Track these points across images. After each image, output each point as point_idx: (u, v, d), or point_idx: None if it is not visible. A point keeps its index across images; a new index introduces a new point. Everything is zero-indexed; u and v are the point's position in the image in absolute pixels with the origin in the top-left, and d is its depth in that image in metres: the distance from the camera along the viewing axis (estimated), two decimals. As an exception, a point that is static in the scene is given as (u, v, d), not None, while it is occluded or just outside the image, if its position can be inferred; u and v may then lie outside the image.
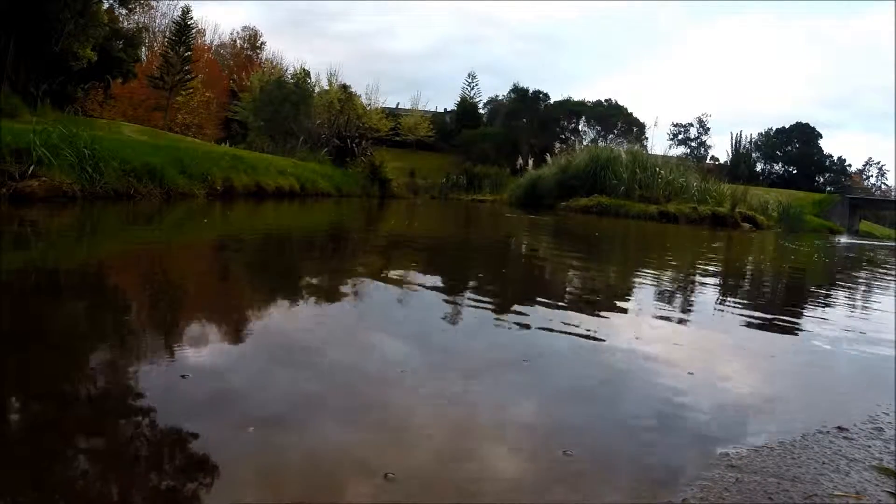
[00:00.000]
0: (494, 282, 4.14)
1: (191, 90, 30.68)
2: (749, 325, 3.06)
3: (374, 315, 2.69)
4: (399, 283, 3.59)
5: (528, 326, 2.57)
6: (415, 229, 8.65)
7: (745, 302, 4.05)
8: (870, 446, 1.51)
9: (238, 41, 42.50)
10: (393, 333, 2.36)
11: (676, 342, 2.54)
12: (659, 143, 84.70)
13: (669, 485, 1.24)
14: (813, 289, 5.37)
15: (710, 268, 6.36)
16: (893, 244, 18.04)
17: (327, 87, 27.05)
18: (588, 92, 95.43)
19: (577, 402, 1.75)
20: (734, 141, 48.86)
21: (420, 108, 44.58)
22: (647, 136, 39.97)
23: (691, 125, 52.59)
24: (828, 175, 51.26)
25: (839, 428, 1.61)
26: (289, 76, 27.22)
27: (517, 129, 43.45)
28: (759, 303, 4.07)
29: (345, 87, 26.92)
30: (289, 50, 78.59)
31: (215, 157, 12.20)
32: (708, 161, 46.30)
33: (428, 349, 2.17)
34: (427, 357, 2.07)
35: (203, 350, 1.91)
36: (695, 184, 19.27)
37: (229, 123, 31.43)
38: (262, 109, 24.92)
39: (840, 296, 4.89)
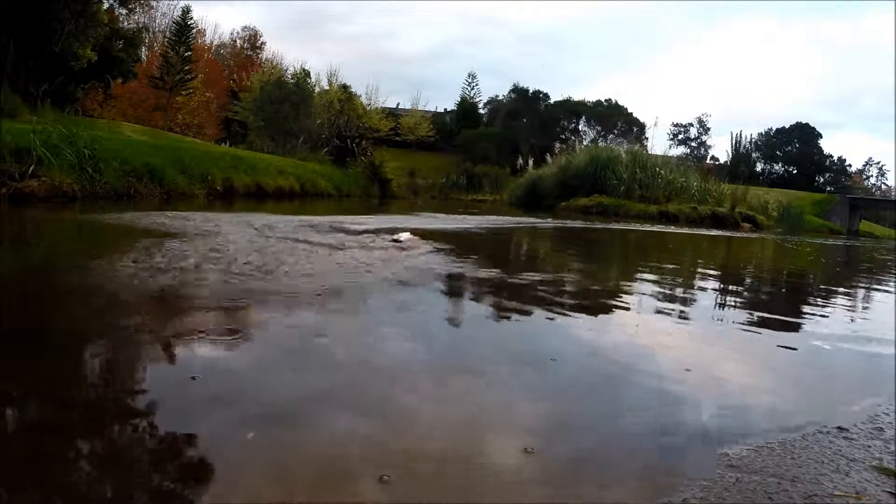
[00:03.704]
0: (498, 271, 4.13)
1: (191, 90, 30.71)
2: (749, 324, 3.06)
3: (381, 312, 2.68)
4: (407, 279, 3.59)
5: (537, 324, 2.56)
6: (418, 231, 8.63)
7: (745, 301, 4.05)
8: (870, 446, 1.51)
9: (238, 41, 42.53)
10: (400, 332, 2.35)
11: (677, 340, 2.54)
12: (659, 143, 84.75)
13: (669, 485, 1.24)
14: (813, 288, 5.37)
15: (712, 267, 6.36)
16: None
17: (327, 87, 27.06)
18: (588, 92, 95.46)
19: (577, 401, 1.75)
20: (734, 141, 48.87)
21: (420, 108, 44.66)
22: (647, 136, 39.99)
23: (691, 125, 52.67)
24: (828, 175, 51.26)
25: (839, 428, 1.61)
26: (289, 76, 27.22)
27: (517, 129, 43.48)
28: (759, 302, 4.07)
29: (345, 87, 26.93)
30: (290, 51, 78.81)
31: (215, 157, 12.21)
32: (708, 161, 46.39)
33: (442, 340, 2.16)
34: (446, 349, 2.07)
35: (212, 350, 1.91)
36: (695, 184, 19.28)
37: (229, 123, 31.44)
38: (262, 109, 24.92)
39: (840, 295, 4.89)
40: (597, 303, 3.41)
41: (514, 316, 2.83)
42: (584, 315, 2.93)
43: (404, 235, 4.86)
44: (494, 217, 12.07)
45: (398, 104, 43.72)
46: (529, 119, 44.79)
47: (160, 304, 2.47)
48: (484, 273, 3.86)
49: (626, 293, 3.96)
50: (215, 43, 41.71)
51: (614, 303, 3.48)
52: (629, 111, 45.75)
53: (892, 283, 6.16)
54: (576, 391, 1.84)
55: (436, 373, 1.91)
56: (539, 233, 9.29)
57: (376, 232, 5.61)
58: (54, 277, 3.10)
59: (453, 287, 3.42)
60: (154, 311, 2.41)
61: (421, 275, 3.51)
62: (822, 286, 5.63)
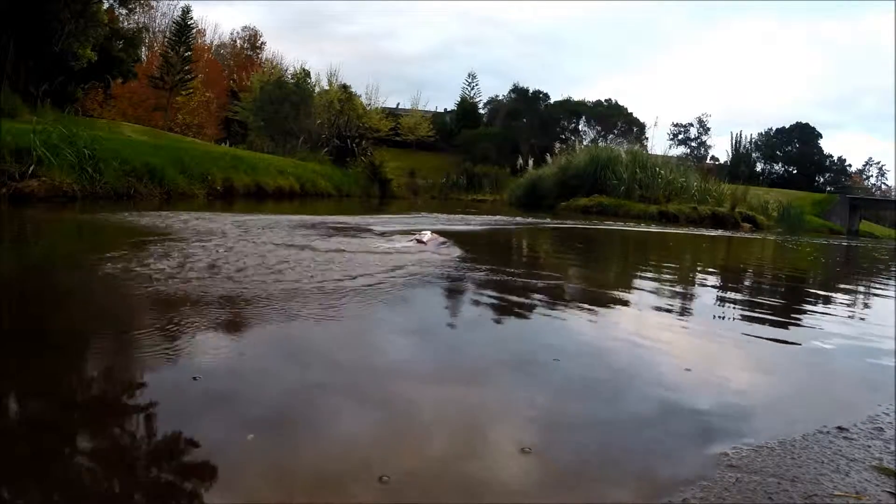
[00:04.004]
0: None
1: (191, 90, 30.70)
2: (749, 324, 3.06)
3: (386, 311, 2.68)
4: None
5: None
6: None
7: (745, 302, 4.05)
8: (870, 446, 1.51)
9: (238, 41, 42.49)
10: (401, 333, 2.35)
11: (677, 340, 2.54)
12: (659, 143, 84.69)
13: (669, 485, 1.24)
14: (813, 289, 5.37)
15: (712, 268, 6.36)
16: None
17: (327, 87, 27.07)
18: (588, 92, 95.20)
19: (578, 401, 1.75)
20: (734, 141, 48.87)
21: (420, 108, 44.65)
22: (647, 136, 39.97)
23: (691, 125, 52.61)
24: (828, 175, 51.23)
25: (839, 428, 1.61)
26: (289, 76, 27.23)
27: (517, 129, 43.45)
28: (759, 303, 4.07)
29: (345, 87, 26.94)
30: (290, 51, 78.80)
31: (215, 157, 12.22)
32: (708, 161, 46.35)
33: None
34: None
35: (214, 351, 1.90)
36: (695, 184, 19.28)
37: (229, 123, 31.45)
38: (262, 109, 24.94)
39: (840, 295, 4.89)
40: (599, 304, 3.40)
41: (517, 317, 2.84)
42: (586, 316, 2.93)
43: (426, 235, 4.75)
44: (496, 217, 12.07)
45: (398, 104, 43.76)
46: (529, 119, 44.76)
47: (161, 304, 2.47)
48: (497, 276, 3.86)
49: (628, 294, 3.96)
50: (215, 43, 41.70)
51: (616, 304, 3.48)
52: (629, 111, 45.75)
53: (891, 284, 6.15)
54: (576, 391, 1.84)
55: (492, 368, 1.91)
56: (541, 233, 9.29)
57: (394, 234, 5.52)
58: (54, 277, 3.10)
59: (481, 288, 3.42)
60: (155, 311, 2.41)
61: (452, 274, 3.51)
62: (822, 287, 5.63)
